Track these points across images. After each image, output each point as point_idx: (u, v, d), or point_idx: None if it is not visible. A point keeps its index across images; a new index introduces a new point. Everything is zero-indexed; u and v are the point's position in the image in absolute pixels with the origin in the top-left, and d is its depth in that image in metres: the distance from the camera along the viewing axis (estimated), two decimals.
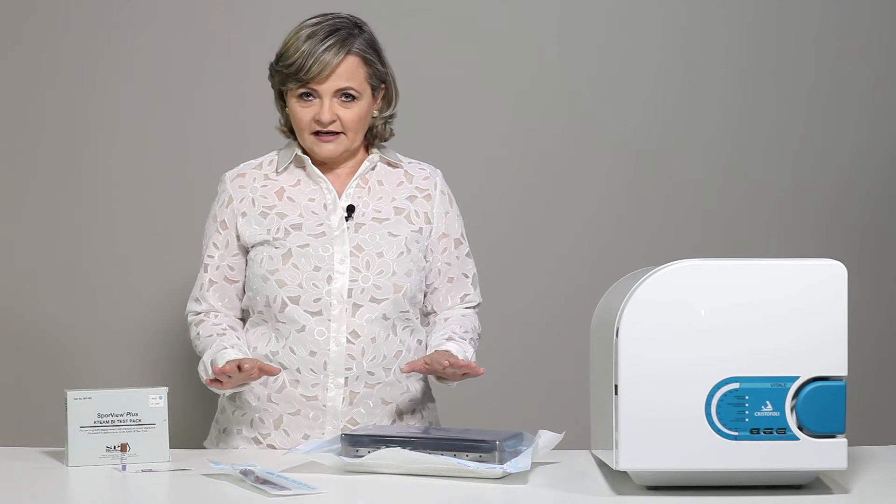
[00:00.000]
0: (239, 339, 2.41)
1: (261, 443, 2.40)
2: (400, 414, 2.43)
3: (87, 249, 3.38)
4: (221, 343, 2.36)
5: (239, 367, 2.22)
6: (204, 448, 2.48)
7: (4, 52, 3.37)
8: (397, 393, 2.42)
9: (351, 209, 2.40)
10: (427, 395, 2.51)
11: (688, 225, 3.48)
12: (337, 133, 2.38)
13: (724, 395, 1.80)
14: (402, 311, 2.41)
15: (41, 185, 3.38)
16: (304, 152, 2.44)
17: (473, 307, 2.53)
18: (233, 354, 2.31)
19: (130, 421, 2.14)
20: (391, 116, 2.49)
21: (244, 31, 3.38)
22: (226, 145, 3.31)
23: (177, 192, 3.36)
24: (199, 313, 2.46)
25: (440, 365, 2.27)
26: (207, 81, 3.39)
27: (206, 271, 2.46)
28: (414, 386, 2.45)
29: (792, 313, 1.81)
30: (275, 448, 2.37)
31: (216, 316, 2.45)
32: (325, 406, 2.37)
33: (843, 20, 3.51)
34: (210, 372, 2.30)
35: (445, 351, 2.33)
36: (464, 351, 2.38)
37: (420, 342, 2.46)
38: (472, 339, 2.46)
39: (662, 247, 3.40)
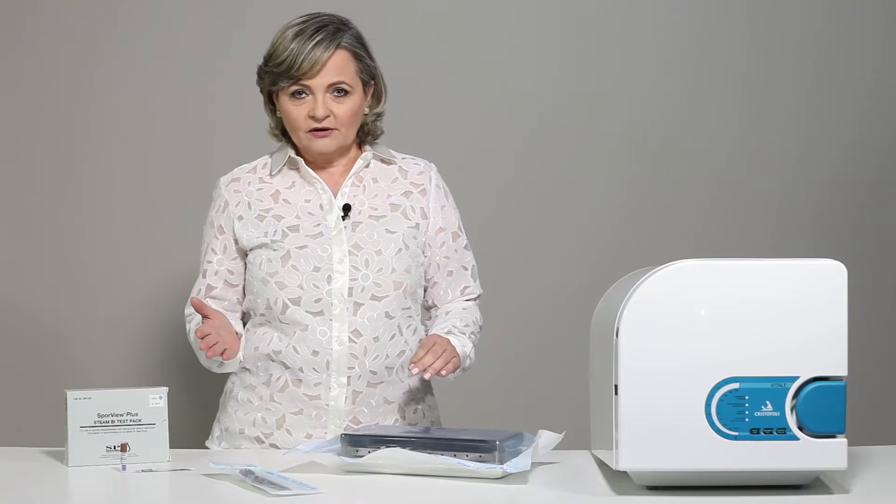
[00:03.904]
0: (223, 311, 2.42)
1: (263, 442, 2.40)
2: (402, 412, 2.43)
3: (87, 249, 3.38)
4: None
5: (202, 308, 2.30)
6: (206, 447, 2.48)
7: (4, 52, 3.37)
8: (400, 392, 2.42)
9: (347, 208, 2.41)
10: (429, 393, 2.52)
11: (688, 225, 3.48)
12: (331, 129, 2.38)
13: (724, 395, 1.80)
14: (404, 308, 2.41)
15: (41, 185, 3.38)
16: (298, 153, 2.45)
17: (474, 299, 2.53)
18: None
19: (130, 421, 2.14)
20: (380, 113, 2.49)
21: (244, 32, 3.37)
22: (225, 146, 3.31)
23: (176, 192, 3.36)
24: (189, 314, 2.46)
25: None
26: (207, 82, 3.39)
27: (204, 276, 2.46)
28: (415, 384, 2.46)
29: (792, 313, 1.81)
30: (277, 447, 2.37)
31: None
32: (327, 405, 2.37)
33: (841, 22, 3.51)
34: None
35: (434, 335, 2.35)
36: (462, 345, 2.38)
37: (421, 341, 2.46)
38: (472, 332, 2.46)
39: (662, 247, 3.40)
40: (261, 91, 2.46)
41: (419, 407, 2.47)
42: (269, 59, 2.40)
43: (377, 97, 2.48)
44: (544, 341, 3.43)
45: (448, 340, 2.34)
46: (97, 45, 3.37)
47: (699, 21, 3.49)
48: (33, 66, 3.37)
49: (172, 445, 2.17)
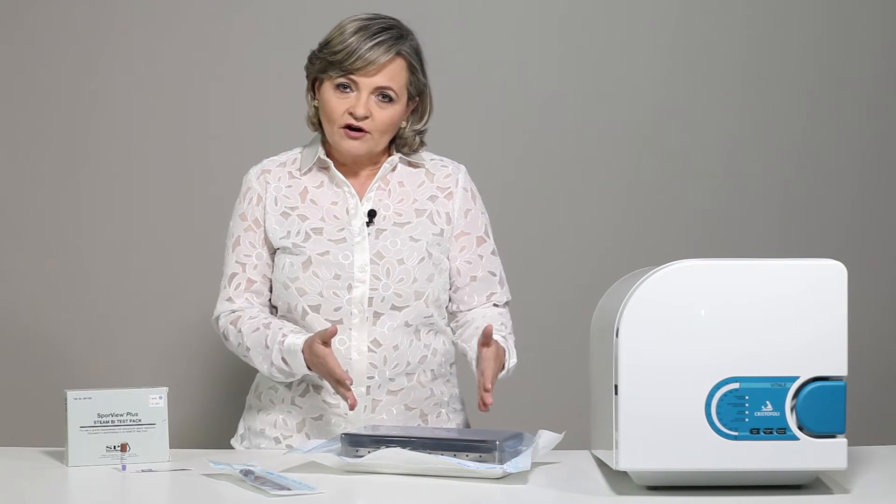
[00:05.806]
0: (281, 321, 2.37)
1: (280, 443, 2.39)
2: (425, 418, 2.41)
3: (87, 249, 3.38)
4: (276, 334, 2.31)
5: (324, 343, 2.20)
6: (231, 447, 2.46)
7: (4, 52, 3.37)
8: (421, 397, 2.40)
9: (372, 214, 2.38)
10: (455, 398, 2.49)
11: (688, 225, 3.48)
12: (365, 132, 2.34)
13: (724, 395, 1.80)
14: (425, 317, 2.38)
15: (41, 185, 3.38)
16: (328, 154, 2.41)
17: (502, 305, 2.50)
18: (298, 339, 2.27)
19: (130, 421, 2.14)
20: (423, 130, 2.45)
21: (244, 32, 3.37)
22: (227, 146, 3.31)
23: (177, 193, 3.36)
24: (235, 311, 2.39)
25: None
26: (207, 82, 3.38)
27: (244, 271, 2.39)
28: (439, 389, 2.43)
29: (792, 313, 1.81)
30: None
31: (252, 309, 2.39)
32: (346, 414, 2.34)
33: (843, 20, 3.51)
34: (292, 365, 2.28)
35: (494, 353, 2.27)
36: (509, 357, 2.35)
37: (445, 344, 2.44)
38: (513, 341, 2.42)
39: (662, 247, 3.40)
40: (307, 77, 2.41)
41: (443, 411, 2.44)
42: (324, 46, 2.35)
43: (421, 114, 2.43)
44: (544, 341, 3.43)
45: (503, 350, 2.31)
46: (96, 45, 3.37)
47: (699, 21, 3.48)
48: (32, 65, 3.37)
49: (172, 445, 2.16)
